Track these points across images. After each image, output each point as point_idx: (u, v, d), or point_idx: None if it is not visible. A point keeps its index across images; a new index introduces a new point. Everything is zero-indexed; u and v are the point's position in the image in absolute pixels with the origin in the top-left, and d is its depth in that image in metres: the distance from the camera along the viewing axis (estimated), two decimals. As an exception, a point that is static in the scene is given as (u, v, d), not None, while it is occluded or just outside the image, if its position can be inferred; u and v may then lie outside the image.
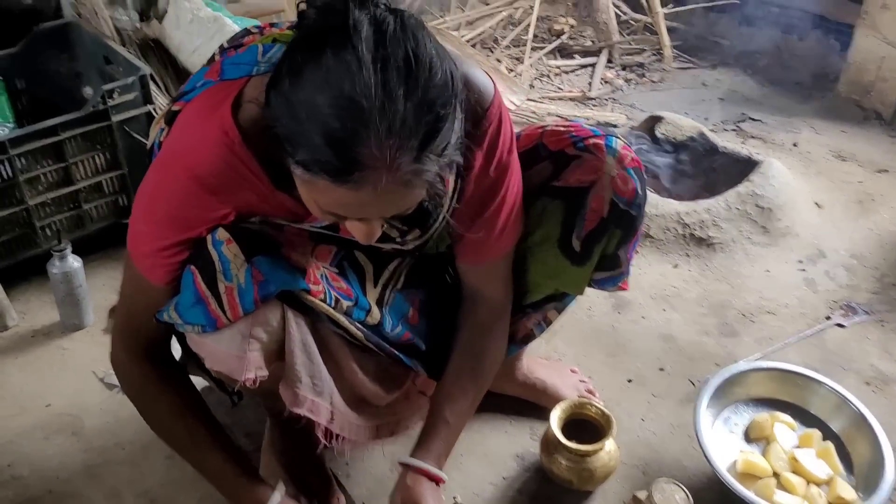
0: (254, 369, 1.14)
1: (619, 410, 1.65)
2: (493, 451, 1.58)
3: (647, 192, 1.39)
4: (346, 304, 1.22)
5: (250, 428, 1.60)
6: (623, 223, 1.32)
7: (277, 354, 1.18)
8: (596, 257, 1.35)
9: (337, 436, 1.30)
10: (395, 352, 1.32)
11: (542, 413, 1.59)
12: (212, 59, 1.26)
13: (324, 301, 1.18)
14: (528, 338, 1.50)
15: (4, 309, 1.86)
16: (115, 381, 1.70)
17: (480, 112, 1.14)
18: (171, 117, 1.15)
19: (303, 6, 0.94)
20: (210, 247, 1.09)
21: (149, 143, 1.30)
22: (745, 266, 2.09)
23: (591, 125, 1.36)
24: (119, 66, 2.02)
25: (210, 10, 2.20)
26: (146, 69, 1.92)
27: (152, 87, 1.99)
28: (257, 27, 1.25)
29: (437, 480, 1.27)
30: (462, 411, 1.34)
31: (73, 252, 1.81)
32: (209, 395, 1.39)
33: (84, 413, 1.67)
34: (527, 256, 1.36)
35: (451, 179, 1.17)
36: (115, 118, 1.90)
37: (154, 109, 1.96)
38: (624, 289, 1.45)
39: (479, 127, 1.14)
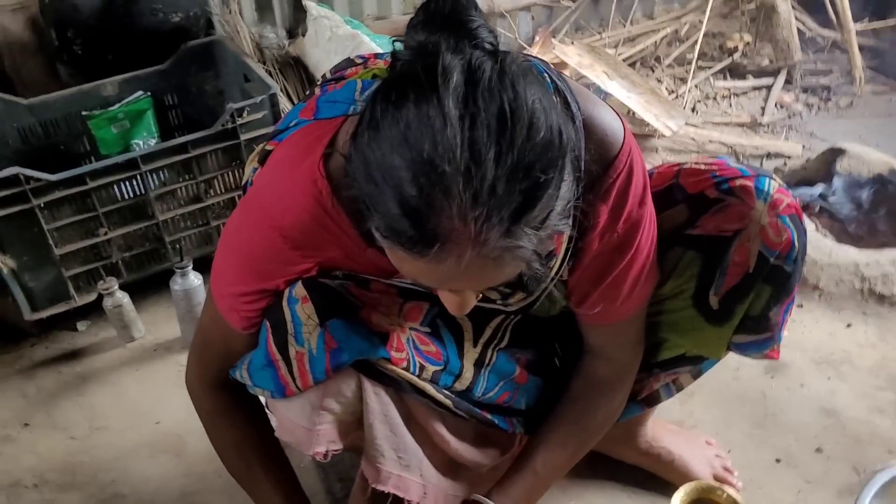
0: (325, 443, 1.06)
1: (761, 495, 1.41)
2: (605, 527, 1.40)
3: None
4: (432, 369, 1.11)
5: (344, 473, 1.51)
6: (774, 280, 1.12)
7: (356, 425, 1.09)
8: (738, 318, 1.16)
9: None
10: (488, 416, 1.19)
11: (666, 489, 1.40)
12: (310, 95, 1.18)
13: (406, 369, 1.07)
14: (653, 400, 1.32)
15: (132, 322, 1.90)
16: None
17: (607, 160, 0.98)
18: (263, 157, 1.09)
19: (398, 45, 0.83)
20: (285, 304, 1.01)
21: (243, 181, 1.26)
22: (937, 332, 1.75)
23: (739, 165, 1.15)
24: (255, 83, 2.02)
25: (349, 27, 2.17)
26: (275, 87, 1.91)
27: (286, 104, 1.97)
28: (361, 58, 1.17)
29: None
30: (555, 464, 1.20)
31: (202, 269, 1.82)
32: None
33: (189, 434, 1.66)
34: (657, 309, 1.19)
35: (563, 238, 1.02)
36: (244, 136, 1.90)
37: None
38: (773, 357, 1.23)
39: (604, 178, 0.99)
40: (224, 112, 1.85)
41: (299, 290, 1.01)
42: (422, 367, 1.09)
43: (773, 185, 1.11)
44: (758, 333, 1.18)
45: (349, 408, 1.06)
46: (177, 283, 1.81)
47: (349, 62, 1.16)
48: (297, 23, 2.47)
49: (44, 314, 1.88)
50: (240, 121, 1.87)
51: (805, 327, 1.78)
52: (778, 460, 1.50)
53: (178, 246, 1.93)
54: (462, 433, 1.19)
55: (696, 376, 1.30)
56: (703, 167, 1.15)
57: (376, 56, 1.14)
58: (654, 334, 1.22)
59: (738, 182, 1.10)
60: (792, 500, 1.42)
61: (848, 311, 1.82)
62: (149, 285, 2.00)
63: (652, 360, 1.24)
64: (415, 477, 1.14)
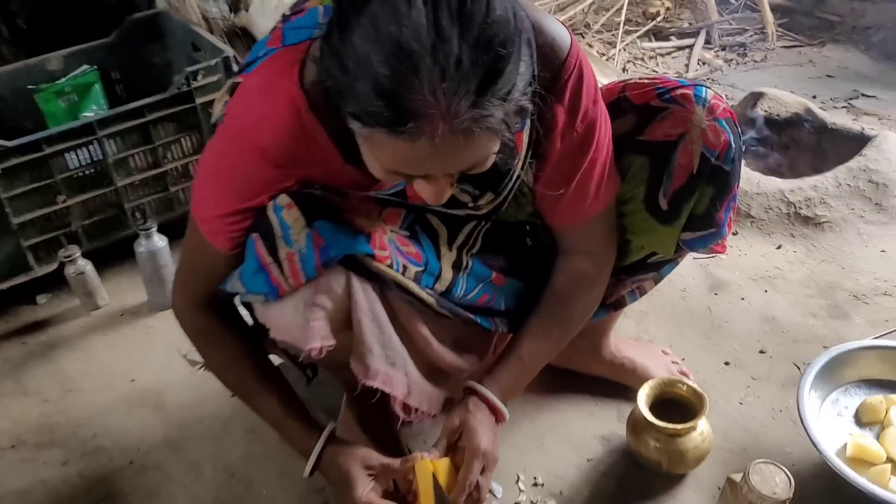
0: (319, 338, 1.09)
1: (715, 393, 1.53)
2: (577, 432, 1.50)
3: (744, 172, 1.27)
4: (414, 269, 1.16)
5: (329, 403, 1.56)
6: (715, 179, 1.22)
7: (345, 324, 1.13)
8: (685, 216, 1.25)
9: (415, 410, 1.24)
10: (471, 315, 1.24)
11: (629, 394, 1.49)
12: (274, 28, 1.23)
13: (390, 267, 1.13)
14: (619, 304, 1.42)
15: (95, 289, 1.90)
16: (197, 357, 1.71)
17: (557, 63, 1.05)
18: (233, 89, 1.11)
19: None
20: (270, 212, 1.05)
21: (213, 118, 1.26)
22: (857, 246, 1.92)
23: (678, 77, 1.26)
24: (205, 52, 2.05)
25: (294, -5, 2.21)
26: (230, 51, 1.94)
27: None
28: None
29: (498, 415, 1.22)
30: (540, 353, 1.27)
31: (162, 233, 1.84)
32: (286, 372, 1.37)
33: (167, 389, 1.68)
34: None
35: (523, 136, 1.10)
36: (200, 100, 1.92)
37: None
38: (719, 251, 1.33)
39: (557, 80, 1.06)
40: (180, 75, 1.87)
41: (283, 198, 1.05)
42: (405, 267, 1.14)
43: (710, 93, 1.21)
44: (704, 230, 1.27)
45: (339, 304, 1.10)
46: (141, 246, 1.82)
47: None
48: (237, -3, 2.50)
49: (3, 286, 1.87)
50: (194, 84, 1.90)
51: (741, 251, 1.92)
52: (727, 363, 1.63)
53: (137, 212, 1.94)
54: (442, 337, 1.24)
55: (657, 281, 1.39)
56: (646, 81, 1.25)
57: None
58: (619, 236, 1.29)
59: (679, 91, 1.20)
60: (742, 395, 1.55)
61: (777, 234, 1.96)
62: (110, 254, 2.00)
63: (621, 264, 1.32)
64: (400, 374, 1.19)
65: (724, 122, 1.19)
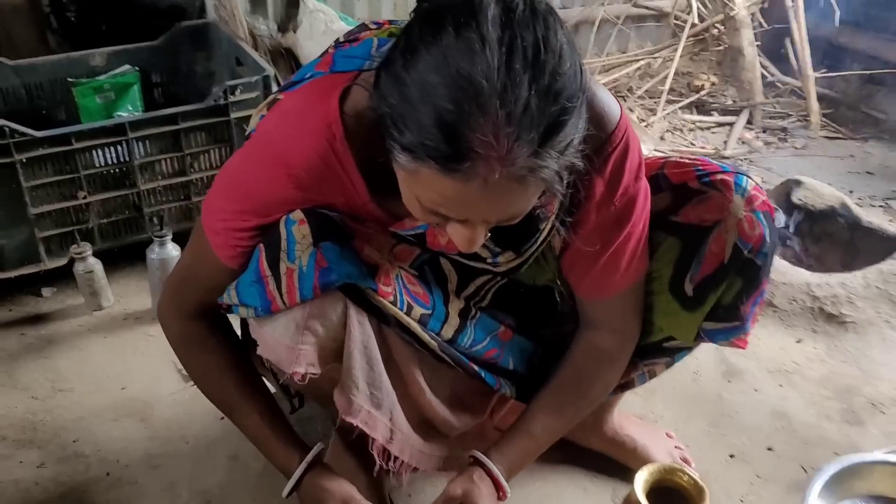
0: (304, 364, 1.06)
1: (716, 487, 1.47)
2: (568, 507, 1.44)
3: (776, 251, 1.23)
4: (420, 311, 1.12)
5: (313, 439, 1.51)
6: (745, 272, 1.18)
7: (335, 354, 1.10)
8: (709, 305, 1.20)
9: (396, 459, 1.20)
10: (475, 368, 1.20)
11: (626, 474, 1.44)
12: (325, 52, 1.22)
13: (393, 304, 1.09)
14: (628, 385, 1.37)
15: (101, 289, 1.89)
16: (192, 372, 1.69)
17: (604, 135, 1.03)
18: (272, 104, 1.11)
19: None
20: (281, 225, 1.03)
21: (248, 129, 1.25)
22: (879, 351, 1.85)
23: (720, 162, 1.22)
24: (247, 67, 2.05)
25: (344, 23, 2.22)
26: (270, 70, 1.95)
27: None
28: (375, 23, 1.20)
29: (501, 491, 1.18)
30: (552, 429, 1.23)
31: (180, 243, 1.82)
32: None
33: (156, 401, 1.65)
34: None
35: (555, 203, 1.07)
36: (234, 114, 1.92)
37: (272, 112, 1.97)
38: (740, 346, 1.28)
39: (601, 152, 1.03)
40: (218, 89, 1.87)
41: (297, 213, 1.03)
42: (410, 307, 1.11)
43: (751, 183, 1.17)
44: (727, 322, 1.23)
45: (332, 332, 1.07)
46: (154, 252, 1.81)
47: (363, 27, 1.20)
48: (287, 18, 2.52)
49: (11, 274, 1.86)
50: (232, 98, 1.90)
51: (760, 340, 1.87)
52: (732, 456, 1.57)
53: (156, 218, 1.93)
54: (437, 388, 1.21)
55: (669, 366, 1.35)
56: (687, 161, 1.22)
57: (391, 22, 1.18)
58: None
59: (719, 176, 1.17)
60: (744, 492, 1.49)
61: (799, 328, 1.91)
62: (122, 257, 2.00)
63: (642, 343, 1.27)
64: (384, 418, 1.15)
65: (761, 215, 1.16)
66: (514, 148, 0.78)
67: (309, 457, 1.17)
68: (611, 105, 1.05)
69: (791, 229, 2.20)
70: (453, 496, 1.16)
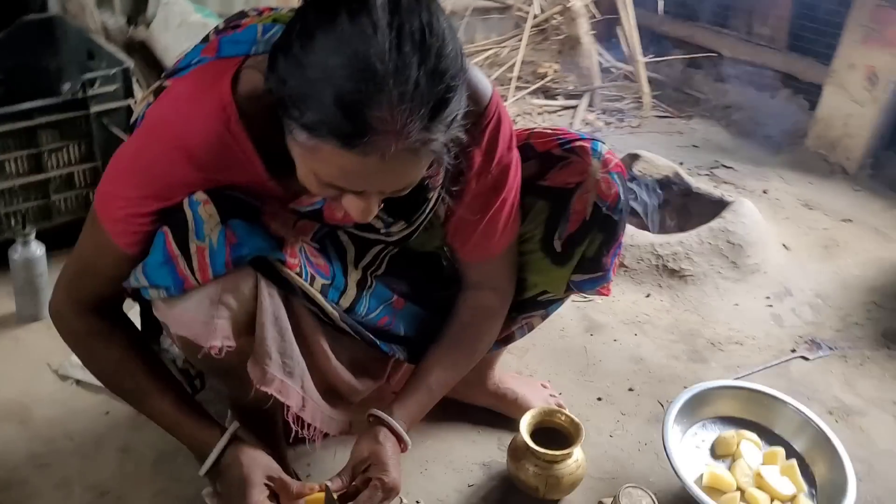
0: (220, 337, 1.08)
1: (588, 426, 1.61)
2: (459, 458, 1.55)
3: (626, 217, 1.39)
4: (321, 281, 1.19)
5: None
6: (605, 227, 1.32)
7: (247, 328, 1.13)
8: (576, 259, 1.34)
9: (308, 425, 1.24)
10: (371, 336, 1.28)
11: (510, 424, 1.57)
12: (206, 38, 1.23)
13: (299, 275, 1.14)
14: (509, 339, 1.49)
15: (-41, 294, 1.79)
16: (70, 373, 1.66)
17: (479, 109, 1.13)
18: (159, 91, 1.12)
19: None
20: (186, 206, 1.05)
21: (133, 118, 1.26)
22: (714, 298, 2.10)
23: (577, 131, 1.37)
24: (102, 61, 2.00)
25: (200, 15, 2.21)
26: (129, 62, 1.92)
27: (134, 84, 1.98)
28: (255, 10, 1.23)
29: (402, 445, 1.24)
30: (446, 383, 1.31)
31: (40, 241, 1.77)
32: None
33: (34, 403, 1.60)
34: None
35: (440, 172, 1.16)
36: (94, 108, 1.88)
37: (134, 104, 1.94)
38: (605, 293, 1.44)
39: (477, 125, 1.13)
40: (75, 82, 1.83)
41: (200, 194, 1.05)
42: (312, 278, 1.17)
43: (605, 148, 1.32)
44: (592, 272, 1.38)
45: (244, 306, 1.10)
46: (17, 252, 1.75)
47: (242, 14, 1.22)
48: (136, 12, 2.46)
49: None
50: (91, 91, 1.85)
51: (614, 297, 2.06)
52: (599, 399, 1.74)
53: (19, 218, 1.86)
54: (340, 355, 1.27)
55: (544, 318, 1.48)
56: (549, 131, 1.35)
57: (271, 8, 1.21)
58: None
59: (578, 143, 1.31)
60: (612, 428, 1.66)
61: (647, 284, 2.12)
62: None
63: (518, 299, 1.39)
64: (296, 386, 1.19)
65: (615, 176, 1.31)
66: (408, 123, 0.86)
67: (230, 430, 1.19)
68: (483, 82, 1.15)
69: (657, 201, 2.42)
70: (361, 458, 1.21)
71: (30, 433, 1.54)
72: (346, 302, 1.23)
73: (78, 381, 1.65)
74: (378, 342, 1.29)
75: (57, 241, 1.94)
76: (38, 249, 1.76)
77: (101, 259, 1.14)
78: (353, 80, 0.84)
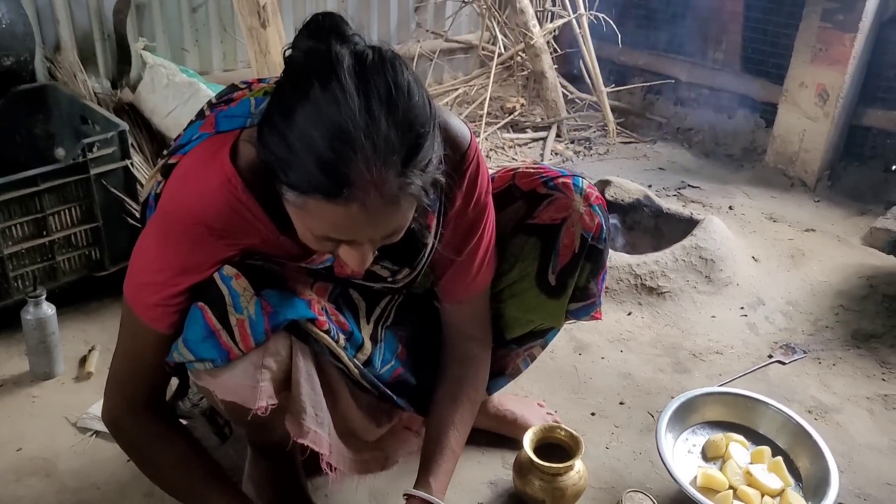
0: (265, 398, 1.15)
1: (585, 441, 1.69)
2: (467, 479, 1.63)
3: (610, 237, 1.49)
4: (342, 338, 1.26)
5: (232, 464, 1.61)
6: (591, 256, 1.42)
7: (283, 385, 1.21)
8: (570, 290, 1.44)
9: (333, 467, 1.31)
10: (387, 391, 1.35)
11: (512, 444, 1.66)
12: (201, 114, 1.32)
13: (328, 333, 1.22)
14: (516, 372, 1.59)
15: (-27, 358, 1.86)
16: (89, 425, 1.72)
17: (458, 156, 1.22)
18: (167, 170, 1.20)
19: (289, 52, 1.02)
20: (219, 282, 1.12)
21: (143, 195, 1.33)
22: (692, 312, 2.22)
23: (558, 168, 1.47)
24: (96, 125, 2.10)
25: (185, 75, 2.31)
26: (124, 125, 2.01)
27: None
28: (245, 83, 1.33)
29: None
30: (462, 440, 1.39)
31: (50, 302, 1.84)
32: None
33: (57, 457, 1.66)
34: (504, 294, 1.45)
35: (434, 217, 1.25)
36: (94, 171, 1.96)
37: (131, 164, 2.03)
38: (598, 318, 1.55)
39: (458, 169, 1.22)
40: (76, 147, 1.91)
41: (229, 269, 1.12)
42: (337, 336, 1.25)
43: (585, 182, 1.43)
44: (584, 300, 1.48)
45: (281, 366, 1.18)
46: (29, 313, 1.82)
47: (233, 87, 1.32)
48: (120, 75, 2.56)
49: None
50: (90, 155, 1.94)
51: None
52: (593, 414, 1.84)
53: (26, 280, 1.93)
54: (359, 402, 1.35)
55: (544, 347, 1.58)
56: (532, 171, 1.45)
57: (259, 80, 1.32)
58: (505, 315, 1.47)
59: (560, 180, 1.41)
60: (608, 441, 1.76)
61: (628, 303, 2.24)
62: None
63: (508, 337, 1.49)
64: (325, 434, 1.27)
65: (597, 208, 1.41)
66: (383, 172, 0.94)
67: None
68: (462, 130, 1.24)
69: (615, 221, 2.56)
70: None
71: (56, 486, 1.60)
72: (362, 357, 1.31)
73: (97, 433, 1.71)
74: (394, 397, 1.37)
75: (63, 301, 2.02)
76: (48, 309, 1.83)
77: (144, 349, 1.20)
78: (329, 142, 0.92)
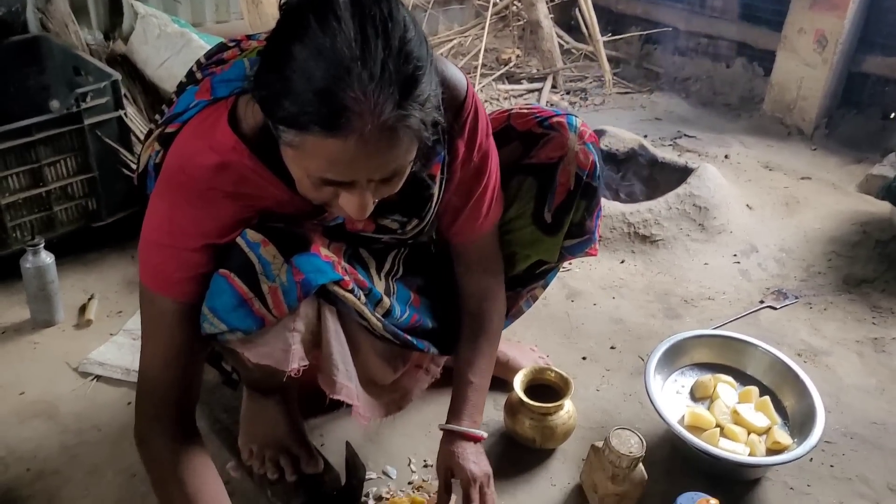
0: (297, 360, 1.18)
1: (576, 383, 1.73)
2: (460, 420, 1.67)
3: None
4: (362, 295, 1.28)
5: (228, 404, 1.66)
6: (586, 194, 1.44)
7: (312, 345, 1.23)
8: (566, 227, 1.46)
9: (360, 414, 1.34)
10: (409, 338, 1.38)
11: (504, 386, 1.69)
12: (192, 76, 1.30)
13: (351, 292, 1.24)
14: (519, 313, 1.64)
15: (-26, 306, 1.88)
16: (90, 369, 1.76)
17: (457, 103, 1.22)
18: (165, 139, 1.19)
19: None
20: (247, 250, 1.12)
21: (140, 166, 1.32)
22: (685, 260, 2.24)
23: (551, 108, 1.47)
24: (89, 76, 2.09)
25: (177, 25, 2.30)
26: (117, 75, 2.01)
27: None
28: (234, 41, 1.31)
29: (476, 439, 1.37)
30: (483, 370, 1.43)
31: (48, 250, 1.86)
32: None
33: (59, 400, 1.70)
34: (501, 231, 1.47)
35: (438, 167, 1.25)
36: (88, 121, 1.97)
37: (125, 114, 2.04)
38: (592, 254, 1.56)
39: (458, 118, 1.23)
40: (69, 97, 1.92)
41: (255, 235, 1.12)
42: (360, 293, 1.27)
43: (578, 121, 1.43)
44: (580, 237, 1.50)
45: (310, 327, 1.21)
46: (28, 262, 1.84)
47: (222, 46, 1.31)
48: (112, 26, 2.54)
49: None
50: (84, 105, 1.94)
51: (591, 265, 2.20)
52: (584, 358, 1.87)
53: (24, 230, 1.95)
54: (377, 350, 1.38)
55: (545, 287, 1.61)
56: (526, 111, 1.45)
57: (248, 37, 1.30)
58: (508, 249, 1.49)
59: (555, 119, 1.41)
60: (598, 384, 1.80)
61: (621, 251, 2.26)
62: (-14, 273, 1.99)
63: (511, 274, 1.51)
64: (353, 386, 1.30)
65: (591, 146, 1.42)
66: (380, 101, 0.91)
67: None
68: (459, 77, 1.24)
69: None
70: (444, 472, 1.36)
71: (59, 427, 1.64)
72: (381, 310, 1.33)
73: (98, 377, 1.75)
74: (415, 342, 1.40)
75: (61, 251, 2.04)
76: (47, 258, 1.85)
77: (172, 331, 1.17)
78: (325, 69, 0.90)
